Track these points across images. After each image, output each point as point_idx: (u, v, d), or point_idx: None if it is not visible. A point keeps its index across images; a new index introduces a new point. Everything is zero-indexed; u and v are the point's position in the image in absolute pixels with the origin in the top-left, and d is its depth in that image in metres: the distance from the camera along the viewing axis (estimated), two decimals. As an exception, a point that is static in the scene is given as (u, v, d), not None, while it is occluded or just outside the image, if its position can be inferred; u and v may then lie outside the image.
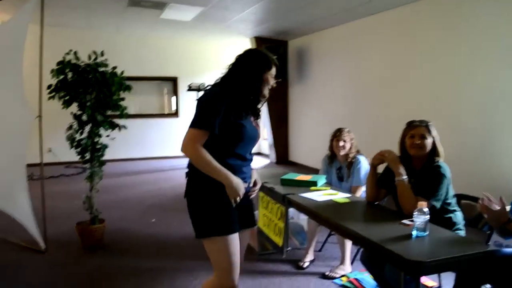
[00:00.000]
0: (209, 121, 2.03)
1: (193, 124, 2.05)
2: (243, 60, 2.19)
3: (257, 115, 2.28)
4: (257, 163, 9.51)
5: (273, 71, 2.20)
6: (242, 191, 2.10)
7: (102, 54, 4.00)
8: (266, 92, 2.21)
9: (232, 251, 2.10)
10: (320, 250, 3.93)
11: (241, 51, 2.24)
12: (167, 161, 9.17)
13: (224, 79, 2.20)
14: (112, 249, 4.02)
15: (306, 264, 3.57)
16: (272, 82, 2.22)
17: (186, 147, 2.05)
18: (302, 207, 2.81)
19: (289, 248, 3.89)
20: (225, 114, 2.06)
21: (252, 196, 2.36)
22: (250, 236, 2.34)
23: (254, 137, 2.22)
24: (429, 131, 2.58)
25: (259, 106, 2.27)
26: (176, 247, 4.05)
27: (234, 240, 2.11)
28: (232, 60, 2.23)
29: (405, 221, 2.30)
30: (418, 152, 2.58)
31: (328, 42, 7.84)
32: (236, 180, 2.09)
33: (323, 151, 3.83)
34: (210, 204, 2.11)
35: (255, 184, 2.37)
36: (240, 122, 2.11)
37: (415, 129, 2.61)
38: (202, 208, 2.13)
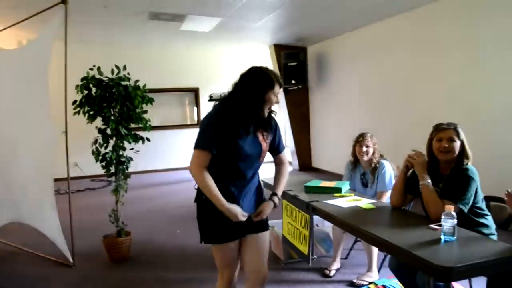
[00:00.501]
0: (207, 142, 2.17)
1: (195, 145, 2.20)
2: (245, 79, 2.22)
3: (263, 129, 2.30)
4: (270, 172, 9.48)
5: (276, 89, 2.21)
6: (237, 216, 2.20)
7: (124, 68, 4.07)
8: (267, 110, 2.25)
9: (223, 256, 2.38)
10: (346, 258, 3.88)
11: (245, 70, 2.26)
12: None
13: (227, 97, 2.25)
14: (139, 261, 4.06)
15: (332, 272, 3.53)
16: (275, 100, 2.23)
17: (191, 170, 2.22)
18: (327, 214, 2.79)
19: (314, 257, 3.84)
20: (222, 134, 2.16)
21: (255, 217, 2.38)
22: (264, 239, 2.44)
23: (252, 155, 2.26)
24: (457, 134, 2.51)
25: (263, 119, 2.28)
26: (202, 257, 4.05)
27: (227, 247, 2.34)
28: (236, 78, 2.26)
29: (433, 226, 2.26)
30: (446, 156, 2.52)
31: (347, 47, 7.81)
32: (230, 208, 2.19)
33: (346, 157, 3.80)
34: (206, 214, 2.31)
35: (259, 213, 2.37)
36: (237, 140, 2.18)
37: (443, 132, 2.54)
38: (201, 217, 2.35)
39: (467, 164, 2.49)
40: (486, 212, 2.52)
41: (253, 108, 2.18)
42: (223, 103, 2.25)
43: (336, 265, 3.59)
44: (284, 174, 2.50)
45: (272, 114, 2.35)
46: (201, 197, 2.30)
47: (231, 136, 2.17)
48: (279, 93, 2.26)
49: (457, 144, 2.50)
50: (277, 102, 2.26)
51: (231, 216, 2.19)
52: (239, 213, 2.21)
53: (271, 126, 2.36)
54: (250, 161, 2.27)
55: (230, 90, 2.27)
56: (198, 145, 2.19)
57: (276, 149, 2.44)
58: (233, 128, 2.17)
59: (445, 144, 2.51)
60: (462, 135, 2.53)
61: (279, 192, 2.43)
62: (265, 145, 2.31)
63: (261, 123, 2.28)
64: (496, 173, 4.50)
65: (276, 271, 3.57)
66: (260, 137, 2.29)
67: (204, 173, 2.18)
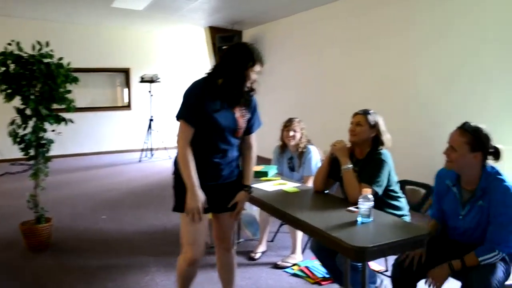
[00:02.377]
0: (190, 115, 2.22)
1: (180, 115, 2.24)
2: (228, 53, 2.26)
3: (241, 105, 2.32)
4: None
5: (257, 67, 2.23)
6: (197, 204, 2.20)
7: (47, 44, 3.82)
8: (246, 86, 2.26)
9: (194, 228, 2.28)
10: (272, 240, 3.95)
11: (231, 44, 2.33)
12: (120, 155, 8.96)
13: (211, 69, 2.29)
14: (61, 248, 3.88)
15: (258, 255, 3.59)
16: (254, 77, 2.25)
17: (178, 142, 2.23)
18: (254, 198, 2.80)
19: (241, 240, 3.90)
20: (200, 105, 2.20)
21: (235, 218, 2.47)
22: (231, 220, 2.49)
23: (227, 129, 2.27)
24: (366, 119, 2.63)
25: (241, 96, 2.29)
26: (127, 243, 3.97)
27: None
28: (222, 51, 2.28)
29: (351, 208, 2.36)
30: (351, 138, 2.66)
31: (283, 32, 7.87)
32: (195, 195, 2.20)
33: (274, 141, 3.85)
34: (180, 184, 2.28)
35: (236, 206, 2.41)
36: (212, 114, 2.21)
37: (354, 117, 2.70)
38: (176, 187, 2.35)
39: (381, 149, 2.62)
40: (400, 194, 2.67)
41: (232, 82, 2.22)
42: (207, 75, 2.29)
43: (262, 248, 3.65)
44: (253, 161, 2.48)
45: (252, 93, 2.35)
46: (175, 169, 2.35)
47: (208, 109, 2.21)
48: (260, 72, 2.27)
49: (364, 128, 2.63)
50: (255, 81, 2.28)
51: (192, 201, 2.20)
52: (200, 203, 2.21)
53: (250, 105, 2.37)
54: (224, 135, 2.28)
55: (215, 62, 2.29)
56: (184, 115, 2.23)
57: (249, 128, 2.41)
58: (210, 101, 2.22)
59: (352, 128, 2.67)
60: (377, 121, 2.64)
61: (250, 182, 2.44)
62: (241, 122, 2.32)
63: (239, 99, 2.29)
64: (412, 158, 4.77)
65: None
66: (237, 114, 2.31)
67: (187, 149, 2.21)
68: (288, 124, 3.60)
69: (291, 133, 3.55)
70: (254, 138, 2.48)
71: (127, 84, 9.77)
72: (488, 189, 2.11)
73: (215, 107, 2.23)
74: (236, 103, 2.29)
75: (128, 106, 9.71)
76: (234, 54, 2.23)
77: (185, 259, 2.35)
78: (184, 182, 2.21)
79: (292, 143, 3.58)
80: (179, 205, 2.30)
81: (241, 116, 2.32)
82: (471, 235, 2.19)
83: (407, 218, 2.66)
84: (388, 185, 2.56)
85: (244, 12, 7.59)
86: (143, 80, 8.57)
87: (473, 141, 2.09)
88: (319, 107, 6.79)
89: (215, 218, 2.48)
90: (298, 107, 7.18)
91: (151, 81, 8.43)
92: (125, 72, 9.73)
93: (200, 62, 9.53)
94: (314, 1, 6.51)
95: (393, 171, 2.60)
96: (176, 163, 2.33)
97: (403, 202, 2.67)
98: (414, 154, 4.81)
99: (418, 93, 5.03)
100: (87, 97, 9.26)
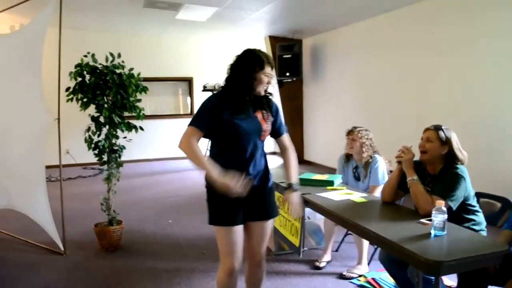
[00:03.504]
0: (199, 121, 2.27)
1: (189, 123, 2.30)
2: (238, 60, 2.33)
3: (261, 109, 2.36)
4: (272, 162, 9.49)
5: (267, 70, 2.28)
6: (229, 185, 2.14)
7: (119, 56, 4.04)
8: (261, 90, 2.31)
9: (229, 240, 2.32)
10: (337, 250, 3.91)
11: (239, 52, 2.36)
12: (182, 161, 9.13)
13: (225, 81, 2.37)
14: (130, 250, 4.06)
15: (323, 264, 3.55)
16: (265, 80, 2.29)
17: (181, 141, 2.27)
18: (319, 207, 2.81)
19: (305, 248, 3.88)
20: (218, 114, 2.25)
21: (293, 214, 2.47)
22: (266, 228, 2.47)
23: (252, 133, 2.31)
24: (437, 135, 2.53)
25: (258, 100, 2.35)
26: (192, 247, 4.07)
27: (232, 231, 2.31)
28: (231, 60, 2.37)
29: (423, 220, 2.29)
30: (422, 156, 2.58)
31: (343, 40, 7.79)
32: (215, 172, 2.19)
33: (339, 150, 3.82)
34: (212, 197, 2.35)
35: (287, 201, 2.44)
36: (234, 121, 2.25)
37: (424, 133, 2.61)
38: (209, 200, 2.39)
39: (457, 164, 2.51)
40: (477, 208, 2.55)
41: (244, 87, 2.27)
42: (223, 87, 2.37)
43: (326, 257, 3.61)
44: (293, 159, 2.52)
45: (270, 97, 2.42)
46: (207, 182, 2.36)
47: (228, 115, 2.25)
48: (272, 75, 2.32)
49: (435, 145, 2.52)
50: (269, 83, 2.33)
51: (217, 181, 2.16)
52: (228, 179, 2.15)
53: (271, 108, 2.42)
54: (251, 139, 2.32)
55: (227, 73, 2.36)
56: (191, 123, 2.29)
57: (277, 130, 2.47)
58: (230, 109, 2.26)
59: (421, 144, 2.58)
60: (449, 138, 2.53)
61: (294, 180, 2.45)
62: (265, 125, 2.35)
63: (258, 103, 2.35)
64: (483, 168, 4.55)
65: (267, 262, 3.53)
66: (260, 117, 2.34)
67: (193, 143, 2.24)
68: (348, 133, 3.57)
69: (350, 142, 3.51)
70: (287, 139, 2.53)
71: (190, 92, 10.08)
72: None
73: (236, 113, 2.26)
74: (256, 107, 2.34)
75: (190, 114, 9.99)
76: (243, 59, 2.30)
77: (224, 271, 2.36)
78: (202, 169, 2.23)
79: (351, 152, 3.53)
80: (214, 217, 2.35)
81: (263, 119, 2.35)
82: None
83: (484, 233, 2.53)
84: (465, 198, 2.45)
85: (305, 22, 7.61)
86: (205, 89, 8.78)
87: None
88: (383, 116, 6.64)
89: (245, 229, 2.42)
90: (362, 116, 7.09)
91: (214, 89, 8.62)
92: (188, 81, 10.05)
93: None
94: (374, 10, 6.43)
95: (470, 186, 2.49)
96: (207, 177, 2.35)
97: (480, 217, 2.54)
98: (483, 163, 4.59)
99: (484, 102, 4.81)
100: (151, 105, 9.67)
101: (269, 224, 2.48)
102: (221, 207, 2.32)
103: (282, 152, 2.54)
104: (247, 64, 2.27)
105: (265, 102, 2.39)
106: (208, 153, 2.43)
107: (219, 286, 2.42)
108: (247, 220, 2.39)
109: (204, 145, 2.45)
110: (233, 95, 2.28)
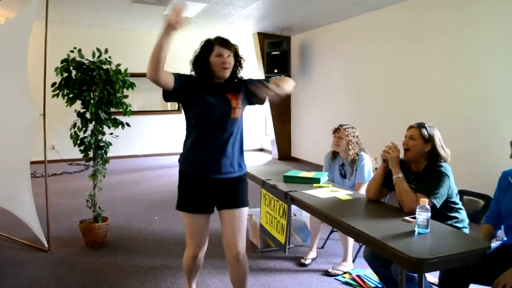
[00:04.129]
0: (176, 73, 2.35)
1: None
2: (194, 53, 2.42)
3: (230, 91, 2.39)
4: (259, 159, 9.52)
5: (218, 49, 2.31)
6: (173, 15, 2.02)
7: (106, 51, 4.01)
8: (222, 72, 2.33)
9: (191, 227, 2.48)
10: (322, 247, 3.94)
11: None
12: (170, 157, 9.11)
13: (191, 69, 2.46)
14: (116, 246, 4.04)
15: (308, 261, 3.58)
16: (220, 60, 2.31)
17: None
18: (305, 205, 2.82)
19: (291, 246, 3.89)
20: (193, 85, 2.33)
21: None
22: (237, 218, 2.46)
23: (217, 107, 2.33)
24: (421, 133, 2.57)
25: (230, 83, 2.41)
26: (178, 244, 4.05)
27: (194, 218, 2.45)
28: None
29: (407, 218, 2.32)
30: (405, 153, 2.62)
31: (332, 37, 7.82)
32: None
33: (326, 147, 3.84)
34: (181, 183, 2.46)
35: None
36: (202, 93, 2.33)
37: (408, 130, 2.65)
38: (178, 186, 2.47)
39: (441, 162, 2.55)
40: (460, 206, 2.59)
41: (204, 73, 2.34)
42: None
43: (312, 254, 3.64)
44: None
45: (238, 75, 2.46)
46: (180, 167, 2.46)
47: (200, 92, 2.33)
48: (227, 53, 2.32)
49: (418, 142, 2.56)
50: (228, 63, 2.32)
51: (168, 23, 2.05)
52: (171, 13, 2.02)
53: (241, 86, 2.43)
54: (221, 116, 2.34)
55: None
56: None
57: (253, 83, 2.38)
58: (201, 90, 2.34)
59: (404, 141, 2.62)
60: (432, 135, 2.57)
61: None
62: (234, 102, 2.37)
63: (229, 86, 2.39)
64: (470, 167, 4.61)
65: (253, 259, 3.60)
66: (230, 96, 2.38)
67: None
68: (335, 131, 3.59)
69: (337, 140, 3.53)
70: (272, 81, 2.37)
71: (178, 88, 10.00)
72: None
73: (207, 93, 2.33)
74: (225, 91, 2.37)
75: (178, 110, 9.94)
76: (197, 50, 2.39)
77: (187, 254, 2.57)
78: (160, 42, 2.18)
79: (337, 149, 3.56)
80: (179, 203, 2.45)
81: (233, 98, 2.38)
82: None
83: (467, 230, 2.57)
84: (449, 196, 2.49)
85: (293, 18, 7.61)
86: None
87: None
88: (370, 113, 6.69)
89: (220, 218, 2.50)
90: (349, 112, 7.12)
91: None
92: (176, 76, 9.97)
93: (248, 68, 9.61)
94: (363, 7, 6.46)
95: (453, 183, 2.53)
96: (180, 160, 2.46)
97: (463, 214, 2.59)
98: (471, 162, 4.66)
99: (472, 100, 4.86)
100: (139, 100, 9.60)
101: (241, 213, 2.46)
102: (187, 194, 2.42)
103: (273, 87, 2.30)
104: (199, 53, 2.35)
105: (237, 84, 2.43)
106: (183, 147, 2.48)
107: (184, 266, 2.67)
108: (219, 208, 2.47)
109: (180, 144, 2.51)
110: (200, 82, 2.35)
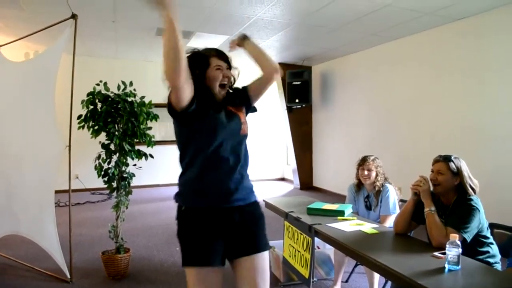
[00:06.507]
0: None
1: None
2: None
3: (231, 105, 2.08)
4: (281, 188, 9.45)
5: (215, 62, 2.02)
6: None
7: (131, 84, 4.09)
8: (220, 88, 2.03)
9: (196, 285, 1.92)
10: (347, 281, 3.83)
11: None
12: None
13: None
14: (137, 278, 4.00)
15: (333, 296, 3.48)
16: (220, 74, 2.02)
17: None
18: (330, 238, 2.76)
19: (314, 279, 3.81)
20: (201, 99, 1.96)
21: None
22: (258, 266, 1.99)
23: (226, 125, 2.00)
24: (448, 167, 2.51)
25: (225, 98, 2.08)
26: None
27: (203, 275, 1.93)
28: None
29: (437, 254, 2.24)
30: (435, 189, 2.56)
31: (352, 67, 7.86)
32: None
33: (348, 177, 3.79)
34: (181, 229, 1.99)
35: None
36: (210, 110, 1.98)
37: (434, 165, 2.59)
38: (180, 234, 2.00)
39: (471, 195, 2.48)
40: (491, 240, 2.50)
41: (204, 90, 1.99)
42: None
43: (336, 288, 3.54)
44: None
45: (236, 87, 2.18)
46: (180, 210, 2.00)
47: (205, 106, 1.97)
48: (225, 65, 2.06)
49: (446, 177, 2.51)
50: (225, 75, 2.05)
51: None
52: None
53: (239, 99, 2.13)
54: (230, 134, 2.00)
55: None
56: None
57: (254, 81, 2.20)
58: (208, 107, 1.98)
59: (432, 176, 2.56)
60: (459, 167, 2.51)
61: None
62: (242, 116, 2.09)
63: (226, 101, 2.07)
64: (499, 200, 4.48)
65: (276, 293, 3.52)
66: (233, 110, 2.07)
67: None
68: (362, 163, 3.54)
69: (366, 172, 3.48)
70: None
71: (199, 118, 10.10)
72: None
73: (212, 109, 1.99)
74: (226, 104, 2.06)
75: (199, 140, 10.02)
76: (191, 64, 1.91)
77: None
78: (169, 19, 1.69)
79: (368, 182, 3.50)
80: (187, 254, 1.93)
81: (236, 110, 2.08)
82: None
83: (498, 266, 2.47)
84: (479, 230, 2.41)
85: (314, 49, 7.70)
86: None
87: None
88: (393, 142, 6.63)
89: (233, 269, 2.01)
90: (371, 142, 7.07)
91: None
92: (198, 107, 10.09)
93: (270, 97, 9.70)
94: (382, 38, 6.50)
95: (483, 217, 2.45)
96: (179, 196, 2.00)
97: (494, 249, 2.49)
98: (501, 196, 4.52)
99: (501, 128, 4.76)
100: (161, 130, 9.71)
101: (264, 260, 2.00)
102: (193, 238, 1.93)
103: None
104: (192, 68, 1.92)
105: (235, 96, 2.13)
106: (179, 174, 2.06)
107: None
108: (234, 256, 1.98)
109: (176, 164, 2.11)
110: (202, 100, 1.97)
